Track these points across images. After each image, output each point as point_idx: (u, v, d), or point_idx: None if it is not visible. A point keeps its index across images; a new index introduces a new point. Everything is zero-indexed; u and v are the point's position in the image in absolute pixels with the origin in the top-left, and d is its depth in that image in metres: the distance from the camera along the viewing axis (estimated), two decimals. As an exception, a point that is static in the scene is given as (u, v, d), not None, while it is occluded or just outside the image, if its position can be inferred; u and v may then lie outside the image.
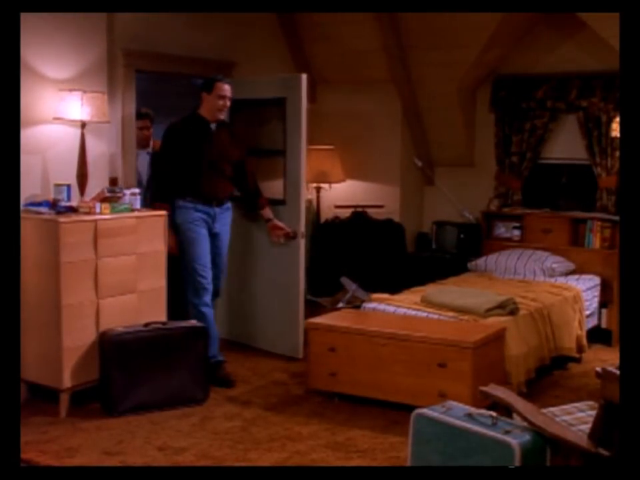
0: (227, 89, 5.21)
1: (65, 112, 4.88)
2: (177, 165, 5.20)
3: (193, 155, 5.20)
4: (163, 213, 5.10)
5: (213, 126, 5.28)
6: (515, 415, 3.17)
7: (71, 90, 4.89)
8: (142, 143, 5.91)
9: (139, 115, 5.85)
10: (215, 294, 5.46)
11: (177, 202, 5.24)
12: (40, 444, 4.18)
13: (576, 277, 6.27)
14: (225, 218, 5.42)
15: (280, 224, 5.64)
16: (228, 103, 5.25)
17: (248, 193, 5.62)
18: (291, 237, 5.66)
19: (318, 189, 7.20)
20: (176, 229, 5.23)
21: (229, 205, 5.45)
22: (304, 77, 5.63)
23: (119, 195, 4.94)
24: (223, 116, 5.30)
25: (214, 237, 5.35)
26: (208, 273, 5.27)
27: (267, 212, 5.67)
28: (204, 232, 5.26)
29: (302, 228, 5.70)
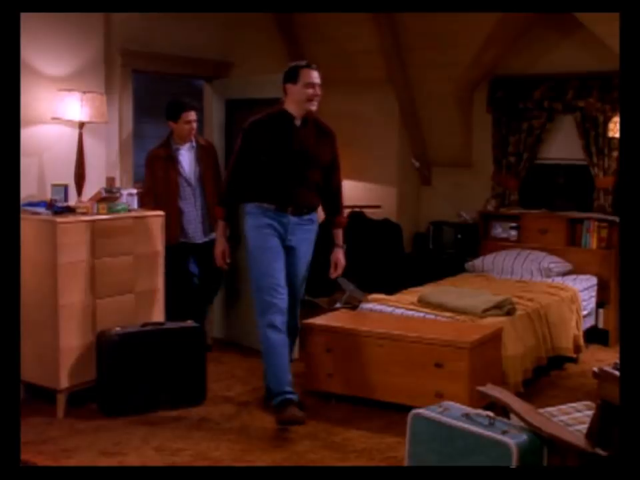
0: (315, 75, 4.56)
1: (64, 112, 4.88)
2: (252, 164, 4.60)
3: (270, 153, 4.57)
4: (161, 213, 5.09)
5: (298, 122, 4.60)
6: (512, 415, 3.17)
7: (70, 90, 4.89)
8: (186, 138, 5.49)
9: (189, 107, 5.44)
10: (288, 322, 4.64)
11: (245, 207, 4.67)
12: (37, 444, 4.17)
13: (573, 277, 6.27)
14: (305, 232, 4.66)
15: (342, 261, 4.81)
16: (319, 91, 4.57)
17: (325, 202, 4.79)
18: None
19: (315, 189, 7.20)
20: (238, 239, 4.72)
21: (312, 216, 4.69)
22: None
23: (116, 195, 4.94)
24: (314, 107, 4.59)
25: (287, 251, 4.63)
26: (278, 287, 4.51)
27: (338, 235, 4.82)
28: (275, 241, 4.57)
29: None
